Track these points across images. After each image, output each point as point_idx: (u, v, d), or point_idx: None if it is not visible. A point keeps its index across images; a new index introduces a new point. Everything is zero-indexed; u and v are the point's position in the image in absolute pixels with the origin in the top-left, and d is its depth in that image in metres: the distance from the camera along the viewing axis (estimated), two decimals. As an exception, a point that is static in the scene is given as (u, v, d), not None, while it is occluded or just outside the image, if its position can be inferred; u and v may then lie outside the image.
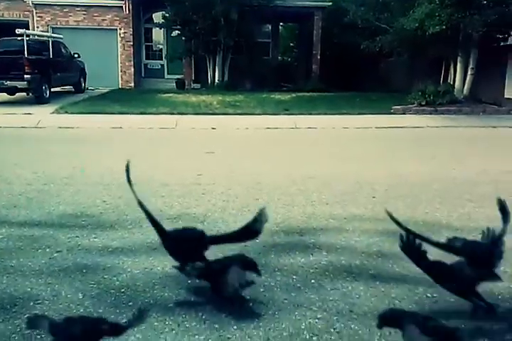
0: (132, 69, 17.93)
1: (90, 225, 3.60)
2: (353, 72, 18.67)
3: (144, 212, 2.57)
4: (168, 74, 18.98)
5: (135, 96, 13.81)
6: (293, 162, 6.20)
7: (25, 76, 11.50)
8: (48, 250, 3.12)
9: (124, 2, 17.12)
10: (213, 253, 2.68)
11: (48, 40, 13.69)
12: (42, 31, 16.28)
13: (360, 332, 2.21)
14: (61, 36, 15.11)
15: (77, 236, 3.36)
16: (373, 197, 4.43)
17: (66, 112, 10.92)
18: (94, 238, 3.34)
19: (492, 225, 2.37)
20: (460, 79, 11.97)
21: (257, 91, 15.06)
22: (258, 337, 2.17)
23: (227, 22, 15.33)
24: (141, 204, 2.55)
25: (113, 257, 3.01)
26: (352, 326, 2.26)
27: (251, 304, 2.45)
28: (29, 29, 15.84)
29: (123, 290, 2.58)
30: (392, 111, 11.37)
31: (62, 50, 14.46)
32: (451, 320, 2.20)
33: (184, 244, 2.57)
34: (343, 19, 14.25)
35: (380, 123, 10.06)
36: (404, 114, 11.28)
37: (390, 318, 1.98)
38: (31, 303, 2.43)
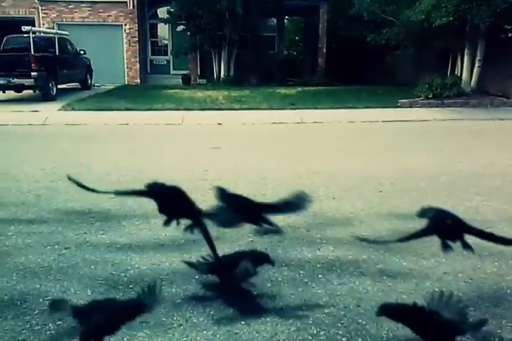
0: (138, 66, 17.94)
1: (98, 222, 3.62)
2: (359, 66, 18.57)
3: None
4: (173, 69, 18.97)
5: (141, 93, 13.83)
6: (299, 156, 6.19)
7: (32, 73, 11.55)
8: (56, 247, 3.14)
9: (128, -3, 17.13)
10: (220, 248, 2.69)
11: (54, 37, 13.72)
12: (48, 28, 16.33)
13: (367, 327, 2.21)
14: (67, 33, 15.14)
15: (85, 233, 3.39)
16: (380, 192, 4.42)
17: (73, 109, 10.95)
18: (102, 234, 3.37)
19: (500, 219, 2.36)
20: (467, 71, 11.86)
21: (263, 86, 15.02)
22: (265, 332, 2.18)
23: (232, 16, 15.27)
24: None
25: (121, 253, 3.03)
26: (359, 321, 2.26)
27: (258, 299, 2.47)
28: (35, 26, 15.89)
29: (131, 286, 2.60)
30: (398, 104, 11.30)
31: (68, 47, 14.50)
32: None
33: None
34: (349, 12, 14.15)
35: (387, 116, 10.01)
36: (410, 107, 11.22)
37: (392, 311, 1.97)
38: (40, 300, 2.46)
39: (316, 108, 11.00)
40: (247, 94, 13.10)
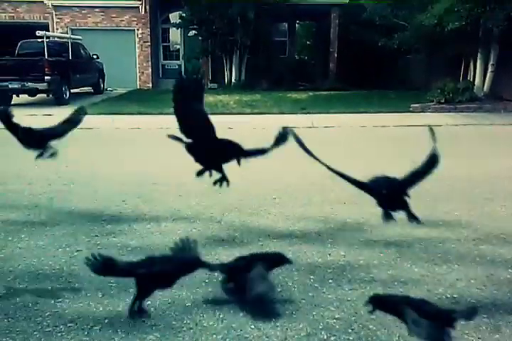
0: (150, 70, 18.06)
1: (110, 225, 3.64)
2: (370, 70, 18.49)
3: None
4: (185, 74, 19.05)
5: (153, 97, 13.90)
6: (309, 161, 6.16)
7: (46, 77, 11.68)
8: (68, 249, 3.17)
9: (140, 2, 17.27)
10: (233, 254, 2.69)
11: (68, 42, 13.88)
12: (61, 33, 16.52)
13: (378, 333, 2.19)
14: (80, 37, 15.31)
15: (96, 236, 3.41)
16: (391, 196, 4.38)
17: (85, 113, 11.02)
18: (114, 237, 3.39)
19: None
20: (480, 75, 11.76)
21: (274, 91, 15.03)
22: (275, 337, 2.17)
23: (244, 21, 15.33)
24: None
25: (132, 256, 3.04)
26: (370, 326, 2.24)
27: (269, 304, 2.45)
28: (49, 31, 16.08)
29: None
30: (410, 109, 11.24)
31: (81, 51, 14.65)
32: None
33: None
34: (361, 16, 14.13)
35: (399, 121, 9.95)
36: (423, 112, 11.14)
37: (383, 303, 1.96)
38: (52, 301, 2.47)
39: (327, 112, 10.98)
40: (258, 99, 13.12)
